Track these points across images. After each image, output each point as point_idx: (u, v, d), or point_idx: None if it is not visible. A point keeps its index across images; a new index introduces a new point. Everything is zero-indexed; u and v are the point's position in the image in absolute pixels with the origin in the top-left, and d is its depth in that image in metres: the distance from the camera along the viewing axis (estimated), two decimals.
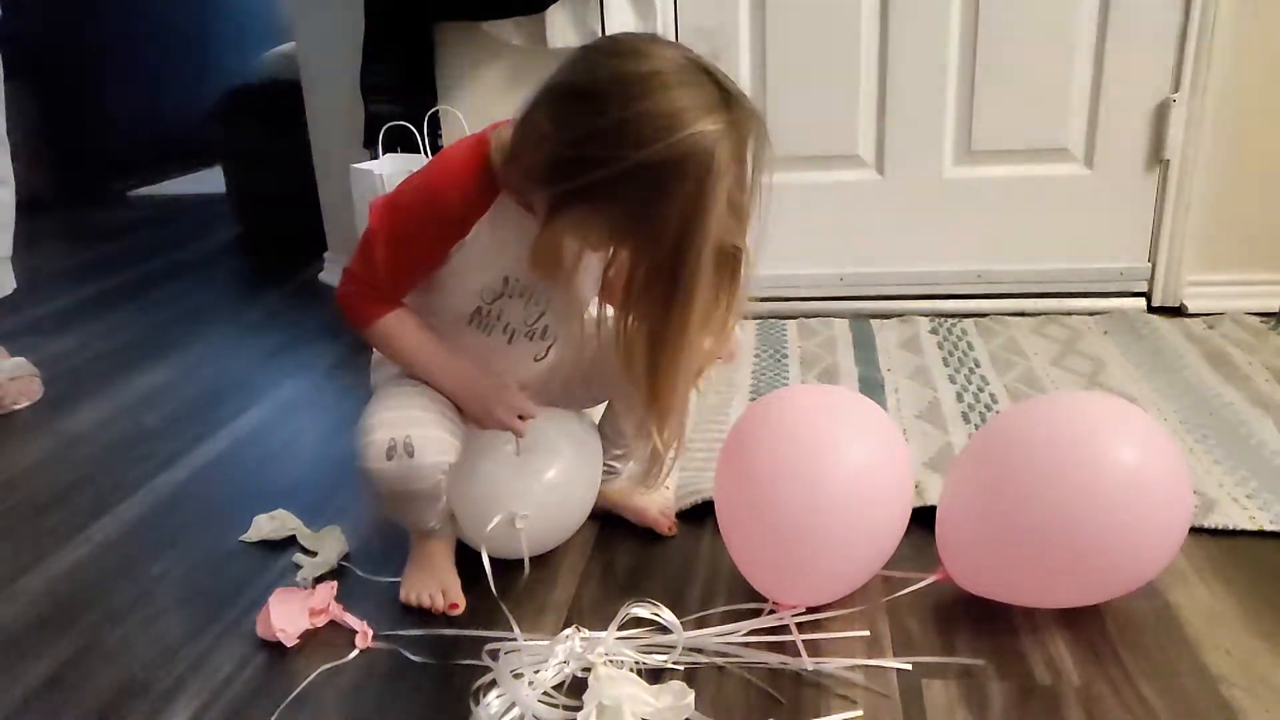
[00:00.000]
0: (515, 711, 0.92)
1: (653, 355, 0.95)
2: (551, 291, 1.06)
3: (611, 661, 0.97)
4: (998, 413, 1.50)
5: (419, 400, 1.06)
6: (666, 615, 1.00)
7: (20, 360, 1.81)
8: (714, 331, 0.98)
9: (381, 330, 1.05)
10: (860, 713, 0.91)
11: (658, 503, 1.25)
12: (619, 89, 0.88)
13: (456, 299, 1.06)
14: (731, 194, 0.90)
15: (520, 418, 1.08)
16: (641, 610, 1.01)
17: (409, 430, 1.01)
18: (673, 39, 1.90)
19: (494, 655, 0.99)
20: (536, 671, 0.96)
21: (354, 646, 1.04)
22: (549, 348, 1.12)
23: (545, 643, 1.00)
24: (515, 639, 1.01)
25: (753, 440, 1.05)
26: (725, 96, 0.89)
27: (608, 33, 1.78)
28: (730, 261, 0.94)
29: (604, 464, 1.24)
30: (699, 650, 0.99)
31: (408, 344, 1.06)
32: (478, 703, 0.93)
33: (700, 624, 1.04)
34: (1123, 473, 0.97)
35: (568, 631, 1.00)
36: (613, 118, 0.87)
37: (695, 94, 0.88)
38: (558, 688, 0.96)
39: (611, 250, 0.99)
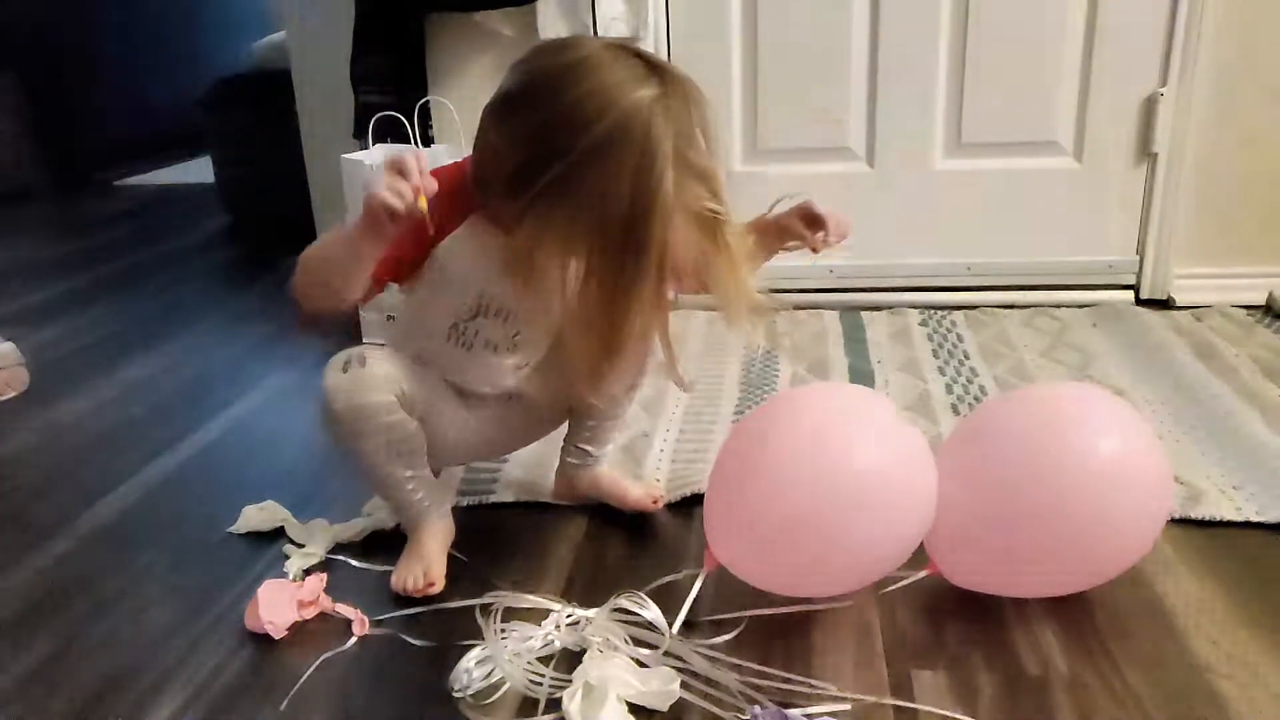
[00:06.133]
0: (495, 674, 0.95)
1: (609, 311, 0.96)
2: (529, 306, 1.07)
3: (608, 644, 0.98)
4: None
5: (390, 352, 1.09)
6: (654, 613, 1.01)
7: (9, 347, 1.79)
8: (734, 298, 1.00)
9: (298, 272, 1.02)
10: (848, 705, 0.91)
11: (639, 486, 1.26)
12: (552, 81, 0.93)
13: (434, 316, 1.09)
14: (687, 157, 0.93)
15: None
16: (629, 604, 1.01)
17: (363, 351, 1.07)
18: (663, 30, 1.91)
19: (485, 611, 1.02)
20: (528, 639, 0.99)
21: (343, 638, 1.04)
22: (530, 357, 1.15)
23: (533, 597, 1.04)
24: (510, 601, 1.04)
25: (774, 431, 1.01)
26: (653, 67, 0.93)
27: (598, 23, 1.78)
28: (710, 225, 0.96)
29: (579, 448, 1.25)
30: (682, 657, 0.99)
31: (314, 255, 1.02)
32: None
33: (689, 622, 1.04)
34: (1100, 460, 0.98)
35: (556, 607, 1.03)
36: (551, 110, 0.92)
37: (623, 70, 0.92)
38: (546, 660, 0.97)
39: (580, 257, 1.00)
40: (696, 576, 1.03)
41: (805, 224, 1.09)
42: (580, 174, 0.91)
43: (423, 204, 0.91)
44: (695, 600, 1.06)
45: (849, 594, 1.05)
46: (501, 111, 0.97)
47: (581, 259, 0.96)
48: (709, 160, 0.95)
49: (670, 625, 0.99)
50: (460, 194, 1.01)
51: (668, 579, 1.06)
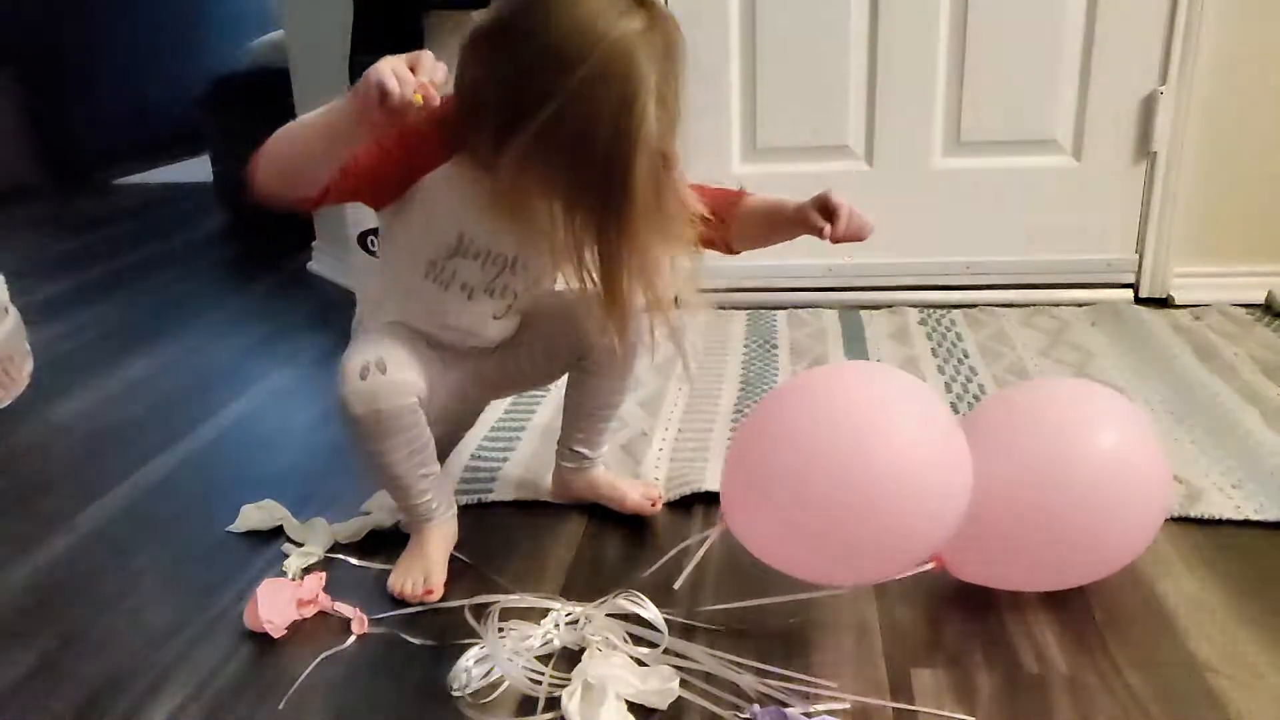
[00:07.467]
0: (494, 673, 0.95)
1: (602, 254, 0.96)
2: (512, 251, 1.06)
3: (607, 642, 0.98)
4: None
5: (392, 337, 1.07)
6: (651, 612, 1.01)
7: (12, 326, 1.69)
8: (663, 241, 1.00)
9: (272, 139, 0.95)
10: (847, 704, 0.91)
11: (637, 488, 1.26)
12: (535, 13, 0.91)
13: (414, 250, 1.07)
14: (664, 94, 0.92)
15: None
16: (628, 602, 1.02)
17: (380, 353, 1.04)
18: None
19: (476, 616, 1.02)
20: (527, 638, 0.99)
21: (343, 636, 1.04)
22: (509, 306, 1.13)
23: (532, 595, 1.04)
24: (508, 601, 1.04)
25: (805, 401, 0.98)
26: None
27: None
28: (665, 163, 0.96)
29: (574, 451, 1.25)
30: (683, 655, 0.99)
31: (296, 124, 0.96)
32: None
33: (688, 617, 1.04)
34: (1101, 453, 0.98)
35: (555, 606, 1.03)
36: (536, 47, 0.90)
37: (608, 1, 0.90)
38: (545, 659, 0.97)
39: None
40: (704, 540, 1.02)
41: (821, 214, 1.06)
42: (565, 113, 0.90)
43: (418, 100, 0.87)
44: (694, 600, 1.06)
45: (851, 582, 1.05)
46: (483, 47, 0.95)
47: (562, 197, 0.96)
48: (678, 103, 0.94)
49: (673, 584, 1.00)
50: (444, 131, 0.99)
51: (681, 545, 1.05)
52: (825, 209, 1.05)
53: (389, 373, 1.03)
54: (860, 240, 1.06)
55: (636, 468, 1.35)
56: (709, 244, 1.09)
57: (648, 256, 0.98)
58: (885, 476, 0.91)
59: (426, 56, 0.88)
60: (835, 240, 1.04)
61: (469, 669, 0.95)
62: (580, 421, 1.24)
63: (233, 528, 1.26)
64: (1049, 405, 1.04)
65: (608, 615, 1.02)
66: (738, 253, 1.13)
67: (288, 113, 2.40)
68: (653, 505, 1.24)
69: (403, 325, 1.11)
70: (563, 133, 0.91)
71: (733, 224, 1.10)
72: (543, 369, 1.24)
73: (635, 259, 0.97)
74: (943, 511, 0.94)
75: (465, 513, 1.23)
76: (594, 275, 0.99)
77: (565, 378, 1.25)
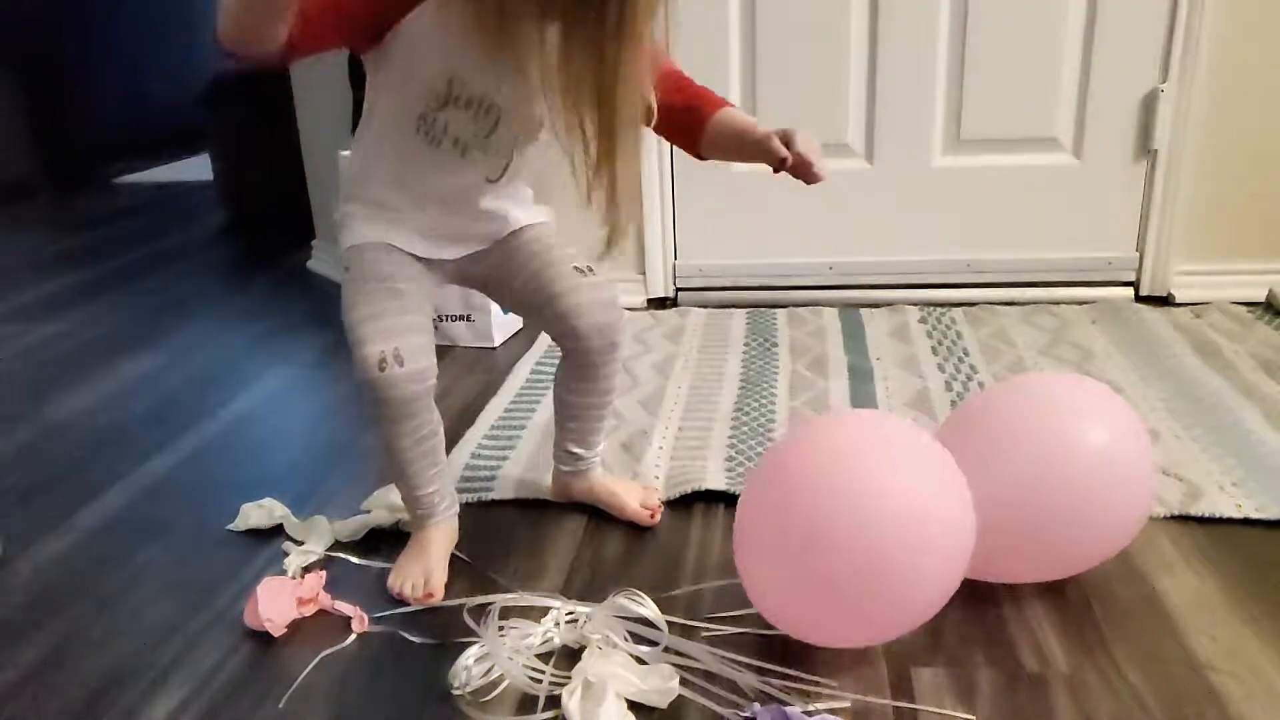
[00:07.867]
0: (494, 671, 0.94)
1: (597, 92, 0.94)
2: (503, 93, 1.02)
3: (607, 641, 0.98)
4: None
5: (400, 305, 1.06)
6: (651, 610, 1.01)
7: None
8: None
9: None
10: (848, 703, 0.91)
11: (636, 495, 1.25)
12: None
13: (401, 99, 1.03)
14: None
15: None
16: (628, 602, 1.02)
17: (396, 342, 1.03)
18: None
19: (476, 615, 1.02)
20: (527, 636, 0.99)
21: (343, 635, 1.04)
22: (503, 168, 1.09)
23: (532, 594, 1.04)
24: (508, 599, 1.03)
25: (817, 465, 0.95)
26: None
27: None
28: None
29: (569, 452, 1.24)
30: (683, 654, 0.99)
31: None
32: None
33: (688, 616, 1.04)
34: (1089, 449, 0.99)
35: (555, 604, 1.03)
36: None
37: None
38: (545, 658, 0.98)
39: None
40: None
41: (783, 144, 1.02)
42: None
43: None
44: (695, 598, 1.06)
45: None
46: None
47: (556, 15, 0.92)
48: None
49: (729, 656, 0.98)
50: None
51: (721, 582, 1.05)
52: (787, 141, 1.02)
53: (406, 364, 1.02)
54: (809, 183, 1.03)
55: (636, 466, 1.35)
56: (677, 142, 1.10)
57: (634, 104, 0.96)
58: (891, 535, 0.89)
59: None
60: (793, 170, 1.01)
61: (469, 667, 0.95)
62: (571, 422, 1.23)
63: (233, 526, 1.26)
64: (1035, 400, 1.05)
65: (608, 614, 1.02)
66: (705, 159, 1.11)
67: (288, 112, 2.42)
68: (651, 516, 1.23)
69: (388, 247, 1.08)
70: None
71: (703, 129, 1.09)
72: (520, 305, 1.21)
73: (628, 102, 0.94)
74: (948, 573, 0.94)
75: (465, 512, 1.23)
76: (586, 123, 0.95)
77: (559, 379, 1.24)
